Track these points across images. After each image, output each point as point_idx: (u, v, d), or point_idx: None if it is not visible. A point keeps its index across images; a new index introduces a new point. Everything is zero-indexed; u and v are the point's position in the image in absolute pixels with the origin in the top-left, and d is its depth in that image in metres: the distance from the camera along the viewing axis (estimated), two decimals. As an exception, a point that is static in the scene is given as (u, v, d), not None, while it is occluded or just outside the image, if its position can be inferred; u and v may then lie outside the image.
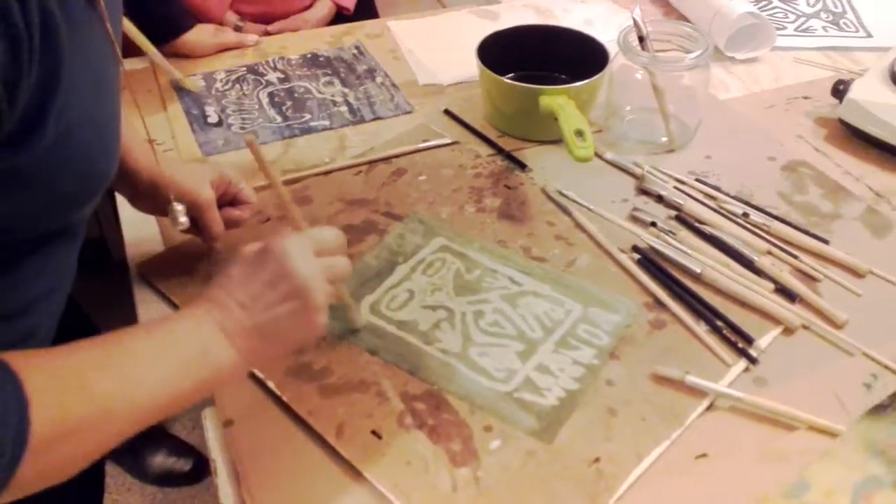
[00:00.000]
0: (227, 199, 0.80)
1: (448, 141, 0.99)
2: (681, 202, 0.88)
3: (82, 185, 0.57)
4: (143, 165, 0.74)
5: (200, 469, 1.52)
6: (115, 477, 1.53)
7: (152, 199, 0.76)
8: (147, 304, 0.77)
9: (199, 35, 1.16)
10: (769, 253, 0.83)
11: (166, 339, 0.53)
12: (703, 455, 0.64)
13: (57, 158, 0.51)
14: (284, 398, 0.68)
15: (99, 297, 1.15)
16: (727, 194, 0.90)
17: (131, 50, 1.04)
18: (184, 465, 1.52)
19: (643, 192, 0.92)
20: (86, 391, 0.48)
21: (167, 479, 1.52)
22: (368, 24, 1.28)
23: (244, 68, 1.14)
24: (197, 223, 0.77)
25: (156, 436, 1.55)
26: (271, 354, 0.58)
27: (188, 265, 0.80)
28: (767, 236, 0.85)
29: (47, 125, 0.49)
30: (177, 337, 0.54)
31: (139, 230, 0.85)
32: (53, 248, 0.61)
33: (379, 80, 1.12)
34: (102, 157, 0.58)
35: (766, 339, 0.74)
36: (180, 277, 0.79)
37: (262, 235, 0.81)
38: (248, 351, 0.56)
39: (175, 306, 0.76)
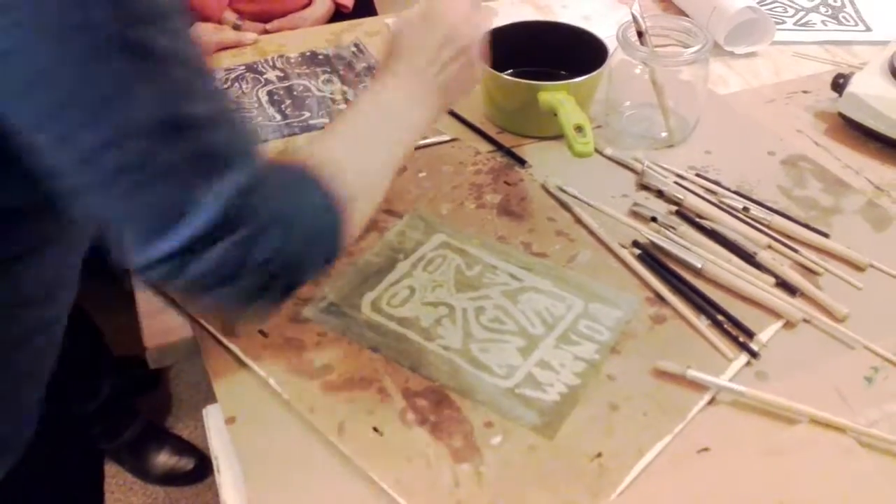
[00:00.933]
0: None
1: (447, 138, 0.99)
2: (681, 197, 0.88)
3: None
4: None
5: (203, 468, 1.52)
6: (117, 476, 1.53)
7: None
8: (149, 306, 0.77)
9: (197, 34, 1.16)
10: (769, 247, 0.83)
11: (383, 115, 0.65)
12: (705, 449, 0.65)
13: None
14: (286, 396, 0.68)
15: (97, 296, 1.15)
16: (727, 189, 0.90)
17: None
18: (186, 464, 1.52)
19: (643, 187, 0.92)
20: (357, 158, 0.60)
21: (170, 479, 1.52)
22: (367, 22, 1.28)
23: (243, 67, 1.14)
24: None
25: (158, 435, 1.55)
26: (445, 107, 0.73)
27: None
28: (768, 230, 0.85)
29: None
30: (390, 111, 0.65)
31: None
32: (74, 235, 0.62)
33: (378, 77, 1.12)
34: None
35: (767, 333, 0.74)
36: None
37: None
38: (434, 107, 0.68)
39: (178, 307, 0.76)
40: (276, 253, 0.49)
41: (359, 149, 0.61)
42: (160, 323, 0.75)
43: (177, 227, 0.45)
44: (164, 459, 1.52)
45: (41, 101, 0.43)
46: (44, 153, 0.44)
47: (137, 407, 1.55)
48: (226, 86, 1.09)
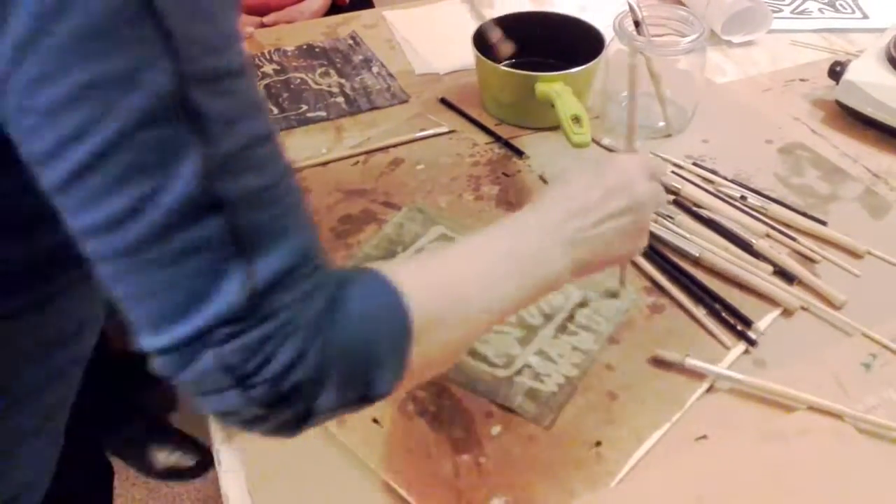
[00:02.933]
0: None
1: (445, 130, 0.99)
2: (679, 186, 0.88)
3: None
4: None
5: (205, 463, 1.53)
6: (119, 472, 1.53)
7: None
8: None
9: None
10: (767, 235, 0.83)
11: (513, 248, 0.54)
12: (704, 437, 0.65)
13: None
14: (286, 388, 0.68)
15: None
16: (725, 178, 0.91)
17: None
18: (188, 459, 1.53)
19: (641, 177, 0.92)
20: (446, 282, 0.50)
21: (172, 474, 1.53)
22: (364, 15, 1.28)
23: (240, 61, 1.14)
24: None
25: (160, 431, 1.55)
26: (594, 267, 0.59)
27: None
28: (765, 219, 0.85)
29: None
30: (523, 247, 0.55)
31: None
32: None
33: (375, 69, 1.12)
34: None
35: (764, 321, 0.74)
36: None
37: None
38: (578, 261, 0.57)
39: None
40: (296, 366, 0.41)
41: (453, 282, 0.51)
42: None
43: (191, 313, 0.40)
44: (166, 455, 1.52)
45: (72, 159, 0.38)
46: (67, 215, 0.40)
47: (140, 403, 1.55)
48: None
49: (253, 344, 0.40)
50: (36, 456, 0.62)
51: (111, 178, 0.38)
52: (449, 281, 0.51)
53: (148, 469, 1.53)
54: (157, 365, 0.41)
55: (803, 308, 0.75)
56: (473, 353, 0.71)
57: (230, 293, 0.40)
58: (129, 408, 1.52)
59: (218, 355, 0.40)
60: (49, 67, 0.36)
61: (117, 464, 1.54)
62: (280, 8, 1.36)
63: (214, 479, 1.55)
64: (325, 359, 0.42)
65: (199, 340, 0.40)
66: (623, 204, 0.59)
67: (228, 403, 0.42)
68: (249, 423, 0.43)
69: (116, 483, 1.51)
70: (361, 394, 0.45)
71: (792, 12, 1.25)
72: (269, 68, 1.12)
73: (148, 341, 0.41)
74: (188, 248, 0.39)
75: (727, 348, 0.72)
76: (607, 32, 0.99)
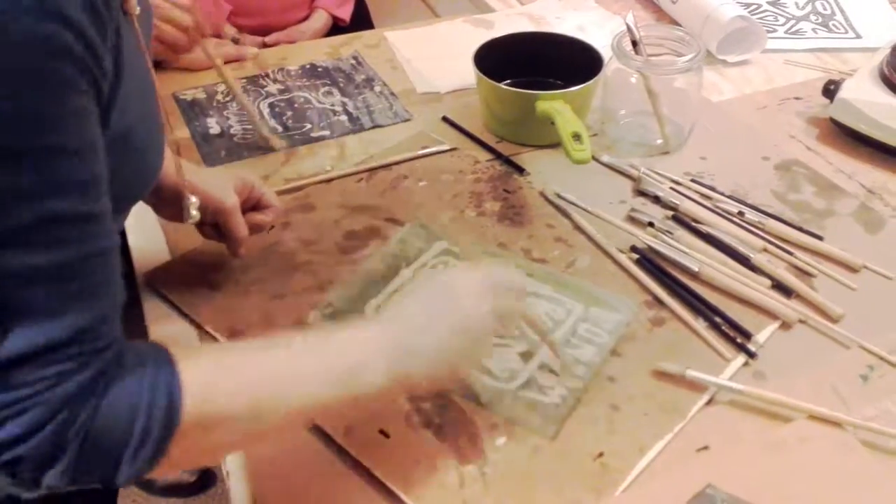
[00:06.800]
0: (250, 205, 0.80)
1: (447, 147, 1.01)
2: (677, 202, 0.90)
3: (136, 182, 0.59)
4: (168, 173, 0.74)
5: (206, 479, 1.52)
6: (119, 489, 1.53)
7: (176, 205, 0.75)
8: (156, 313, 0.78)
9: (198, 48, 1.17)
10: (765, 250, 0.85)
11: (327, 348, 0.55)
12: (705, 447, 0.66)
13: (115, 155, 0.51)
14: (293, 400, 0.69)
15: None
16: (722, 194, 0.92)
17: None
18: (189, 475, 1.52)
19: (640, 193, 0.93)
20: (237, 385, 0.50)
21: (173, 491, 1.53)
22: (366, 35, 1.30)
23: (244, 80, 1.15)
24: (221, 229, 0.77)
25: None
26: (421, 383, 0.59)
27: (196, 273, 0.81)
28: (763, 234, 0.86)
29: (111, 119, 0.50)
30: (338, 347, 0.56)
31: (145, 239, 0.86)
32: None
33: (377, 89, 1.13)
34: (153, 152, 0.60)
35: (764, 333, 0.75)
36: (189, 285, 0.80)
37: (266, 241, 0.83)
38: (403, 375, 0.57)
39: (184, 315, 0.78)
40: (23, 441, 0.43)
41: (255, 374, 0.52)
42: (166, 330, 0.77)
43: None
44: (166, 471, 1.52)
45: None
46: None
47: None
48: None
49: None
50: None
51: None
52: (247, 380, 0.51)
53: (149, 486, 1.52)
54: None
55: (801, 321, 0.77)
56: (478, 367, 0.72)
57: None
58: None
59: None
60: None
61: (118, 481, 1.53)
62: (281, 28, 1.38)
63: (216, 495, 1.55)
64: (62, 441, 0.43)
65: None
66: (460, 325, 0.59)
67: None
68: None
69: (118, 502, 1.51)
70: (99, 478, 0.46)
71: (786, 32, 1.28)
72: (273, 88, 1.14)
73: None
74: None
75: (727, 360, 0.73)
76: (606, 52, 1.01)
